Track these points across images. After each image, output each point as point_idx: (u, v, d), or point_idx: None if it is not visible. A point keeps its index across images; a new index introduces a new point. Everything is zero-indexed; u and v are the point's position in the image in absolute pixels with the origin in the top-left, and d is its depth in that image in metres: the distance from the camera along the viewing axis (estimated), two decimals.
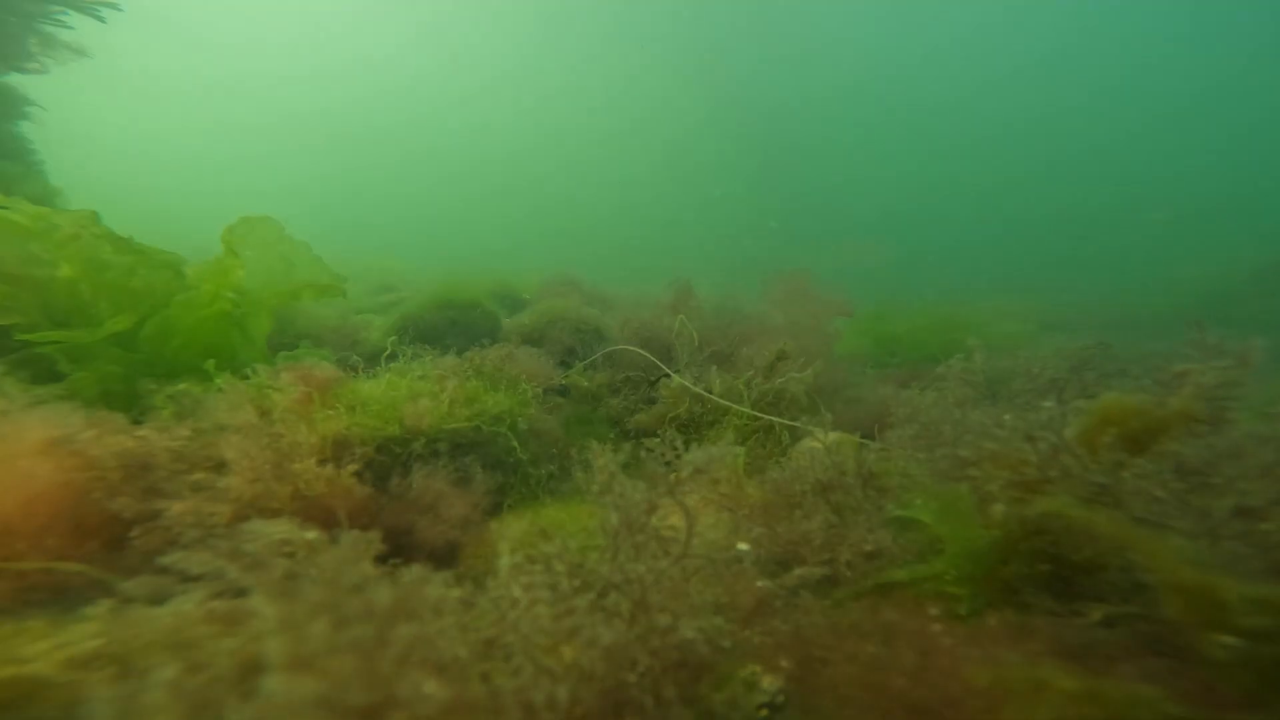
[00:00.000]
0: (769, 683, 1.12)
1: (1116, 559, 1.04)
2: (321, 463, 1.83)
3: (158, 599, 0.93)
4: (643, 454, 2.46)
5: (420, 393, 2.48)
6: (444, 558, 1.91)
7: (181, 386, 2.33)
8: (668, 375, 3.16)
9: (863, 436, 2.31)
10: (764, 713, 1.10)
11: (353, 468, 1.89)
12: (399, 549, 1.85)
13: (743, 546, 1.49)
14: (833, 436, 1.86)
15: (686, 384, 2.98)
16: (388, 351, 2.88)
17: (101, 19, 5.39)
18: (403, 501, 1.98)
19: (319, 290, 3.26)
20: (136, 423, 1.95)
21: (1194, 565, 0.93)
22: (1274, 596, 0.89)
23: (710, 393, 2.88)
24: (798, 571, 1.16)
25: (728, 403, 2.80)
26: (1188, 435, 1.19)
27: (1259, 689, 0.96)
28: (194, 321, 2.89)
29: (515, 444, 2.55)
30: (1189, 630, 0.93)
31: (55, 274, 2.72)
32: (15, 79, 5.05)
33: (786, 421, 2.64)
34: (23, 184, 4.36)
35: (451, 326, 4.40)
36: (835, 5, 41.93)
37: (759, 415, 2.69)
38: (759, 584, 1.12)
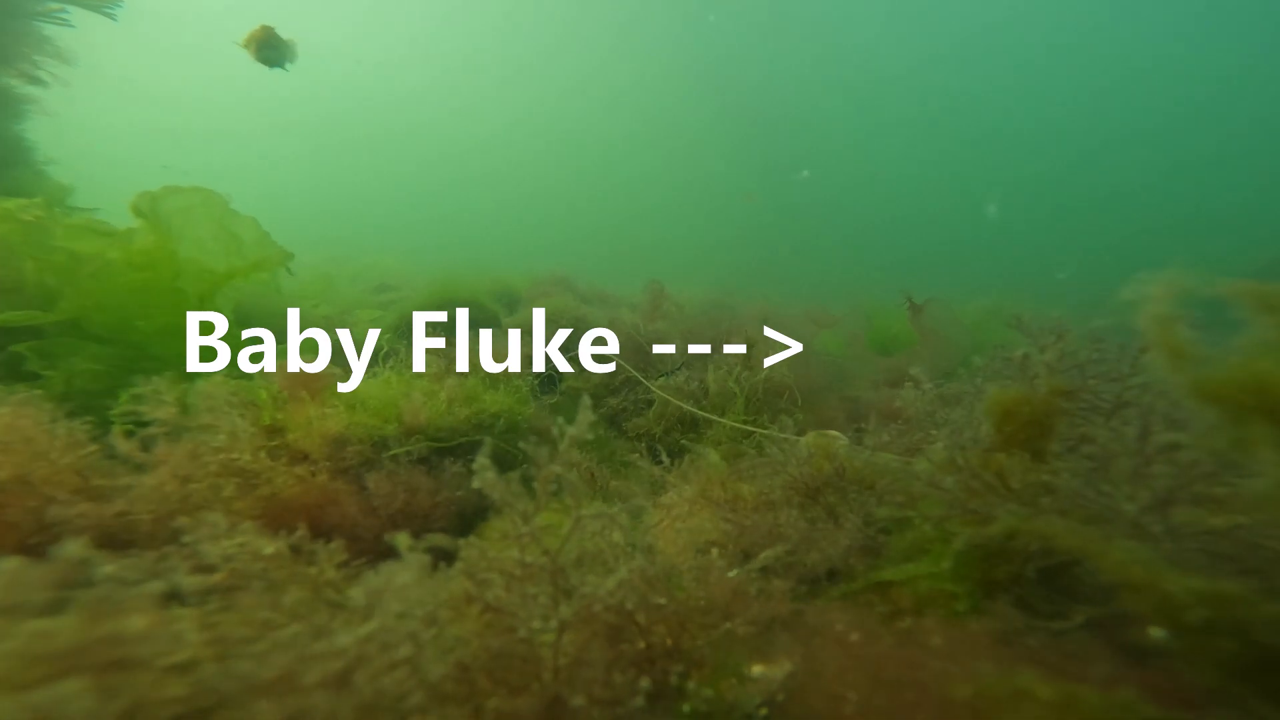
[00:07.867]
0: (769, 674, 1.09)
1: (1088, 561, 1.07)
2: (295, 462, 1.84)
3: None
4: (636, 458, 2.50)
5: (418, 389, 2.51)
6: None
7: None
8: (666, 375, 3.20)
9: (854, 433, 2.34)
10: (764, 711, 1.06)
11: (327, 466, 1.91)
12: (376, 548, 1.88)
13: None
14: (814, 436, 1.89)
15: (671, 394, 3.02)
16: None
17: (112, 16, 5.29)
18: (379, 500, 2.00)
19: (268, 265, 2.97)
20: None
21: (1141, 561, 0.96)
22: (1211, 589, 0.92)
23: (705, 390, 2.92)
24: (764, 555, 1.17)
25: (712, 416, 2.84)
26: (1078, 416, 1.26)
27: (1221, 682, 0.99)
28: (133, 303, 2.57)
29: (516, 442, 2.57)
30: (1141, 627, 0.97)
31: None
32: (15, 82, 5.06)
33: (769, 432, 2.68)
34: (34, 185, 4.38)
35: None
36: (827, 5, 41.79)
37: (744, 418, 2.73)
38: (730, 574, 1.14)
